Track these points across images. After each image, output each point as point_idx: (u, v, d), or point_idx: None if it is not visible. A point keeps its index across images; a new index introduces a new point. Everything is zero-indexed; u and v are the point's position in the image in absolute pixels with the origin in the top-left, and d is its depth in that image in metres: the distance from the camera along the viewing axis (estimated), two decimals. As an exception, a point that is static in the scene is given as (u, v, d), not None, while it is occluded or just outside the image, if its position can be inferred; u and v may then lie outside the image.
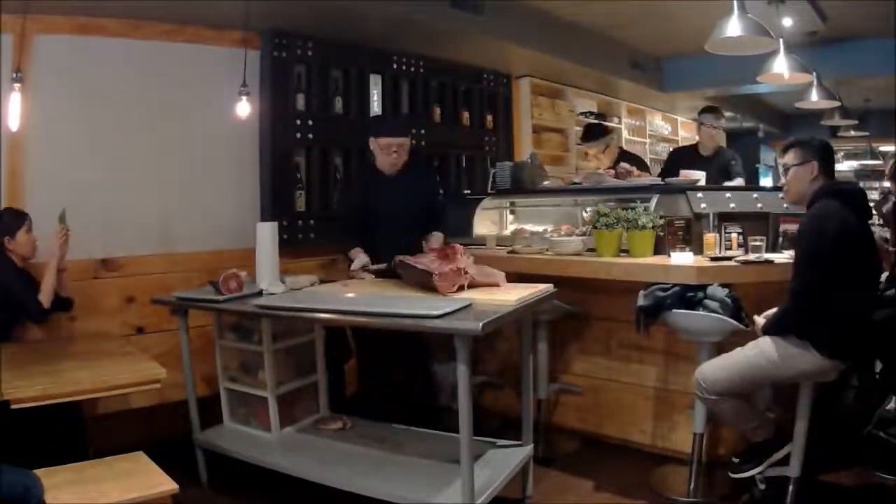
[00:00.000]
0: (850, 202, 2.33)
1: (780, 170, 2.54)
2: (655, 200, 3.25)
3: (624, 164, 3.66)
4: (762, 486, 2.52)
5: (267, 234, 3.01)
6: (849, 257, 2.26)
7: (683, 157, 4.56)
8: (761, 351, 2.35)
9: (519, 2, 4.50)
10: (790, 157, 2.46)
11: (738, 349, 2.43)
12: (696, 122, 4.72)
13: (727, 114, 8.32)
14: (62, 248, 2.88)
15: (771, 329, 2.36)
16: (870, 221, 2.49)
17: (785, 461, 2.47)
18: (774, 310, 2.40)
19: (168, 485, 2.04)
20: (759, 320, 2.45)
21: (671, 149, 8.11)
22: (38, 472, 1.99)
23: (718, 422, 2.57)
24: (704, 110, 4.65)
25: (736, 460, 2.60)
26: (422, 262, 2.65)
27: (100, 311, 3.23)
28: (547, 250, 3.35)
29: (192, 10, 3.31)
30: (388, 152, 3.12)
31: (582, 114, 6.36)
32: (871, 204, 2.78)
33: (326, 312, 2.50)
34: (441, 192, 3.34)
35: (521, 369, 2.74)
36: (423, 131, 4.47)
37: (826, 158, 2.43)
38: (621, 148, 5.20)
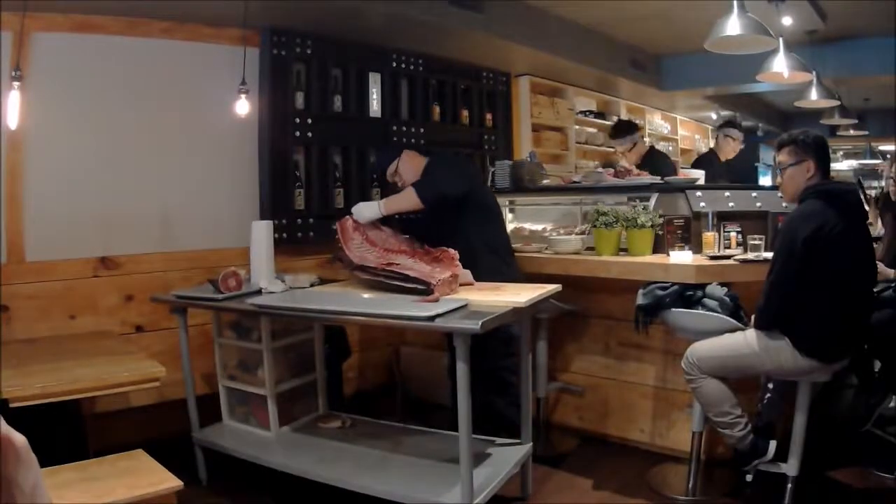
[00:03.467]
0: (836, 203, 2.33)
1: (777, 170, 2.54)
2: (655, 199, 3.25)
3: (623, 164, 3.66)
4: (749, 479, 2.53)
5: (262, 233, 3.01)
6: (824, 259, 2.26)
7: (708, 164, 4.90)
8: (745, 339, 2.43)
9: (519, 0, 4.50)
10: (785, 157, 2.46)
11: (728, 334, 2.50)
12: (720, 135, 4.97)
13: (725, 113, 8.36)
14: None
15: (755, 323, 2.42)
16: (869, 222, 2.50)
17: (783, 458, 2.48)
18: None
19: (172, 482, 2.04)
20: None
21: (670, 148, 8.18)
22: (42, 471, 1.98)
23: (701, 405, 2.58)
24: (728, 124, 5.11)
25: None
26: (413, 270, 2.64)
27: (99, 310, 3.22)
28: (546, 249, 3.35)
29: (190, 7, 3.30)
30: (393, 181, 3.22)
31: (581, 112, 6.36)
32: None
33: (324, 312, 2.50)
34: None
35: (521, 368, 2.74)
36: (422, 130, 4.47)
37: (821, 155, 2.43)
38: (652, 146, 5.21)
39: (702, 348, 2.50)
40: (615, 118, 6.75)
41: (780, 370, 2.42)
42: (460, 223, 3.02)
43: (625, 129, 4.86)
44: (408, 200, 2.98)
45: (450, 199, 2.97)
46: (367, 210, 3.01)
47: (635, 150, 4.68)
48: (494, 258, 3.02)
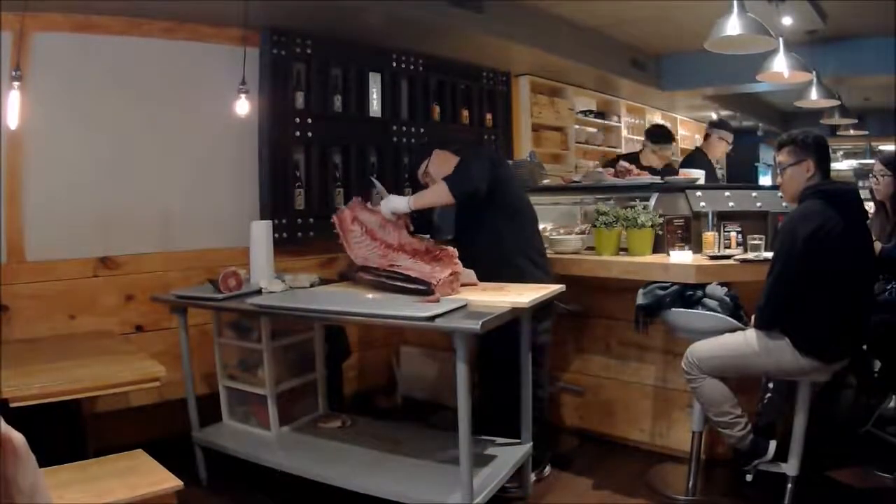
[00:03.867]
0: (836, 203, 2.32)
1: (777, 170, 2.53)
2: (655, 199, 3.26)
3: (623, 163, 3.66)
4: (749, 478, 2.53)
5: (261, 233, 3.01)
6: (824, 259, 2.26)
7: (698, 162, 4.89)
8: (745, 339, 2.43)
9: (519, 0, 4.50)
10: (785, 156, 2.45)
11: (728, 334, 2.49)
12: (714, 135, 4.98)
13: (725, 112, 8.36)
14: None
15: (755, 323, 2.42)
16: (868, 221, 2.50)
17: (783, 458, 2.48)
18: None
19: (172, 481, 2.04)
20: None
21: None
22: (42, 470, 1.98)
23: (701, 404, 2.58)
24: (722, 125, 5.13)
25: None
26: (414, 270, 2.63)
27: (99, 310, 3.22)
28: (546, 249, 3.35)
29: (191, 7, 3.30)
30: (423, 181, 3.09)
31: (581, 112, 6.36)
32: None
33: (324, 313, 2.50)
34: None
35: (521, 367, 2.74)
36: (422, 130, 4.47)
37: (821, 155, 2.42)
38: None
39: (701, 348, 2.50)
40: (615, 117, 6.76)
41: (780, 370, 2.42)
42: (492, 221, 2.88)
43: (667, 136, 4.94)
44: (439, 195, 2.83)
45: (483, 195, 2.81)
46: (397, 203, 2.87)
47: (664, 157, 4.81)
48: (524, 261, 2.88)
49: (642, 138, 7.32)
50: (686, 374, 2.52)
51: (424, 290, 2.52)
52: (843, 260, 2.29)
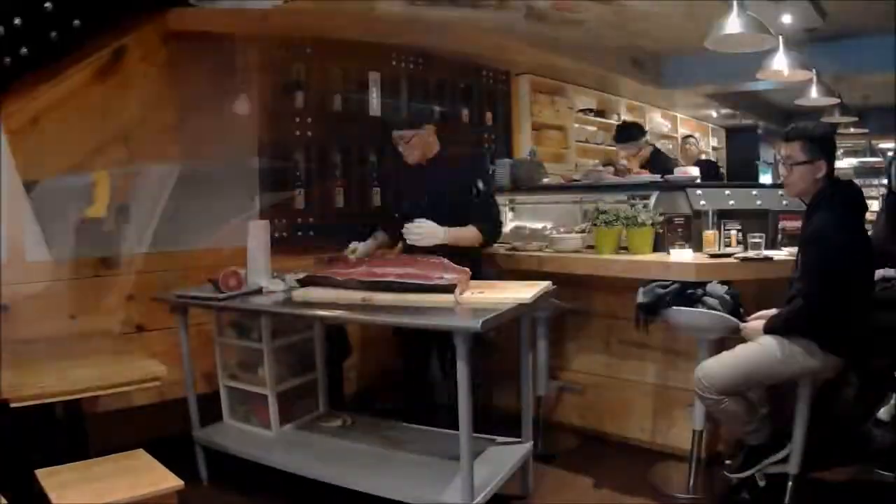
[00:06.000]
0: (853, 204, 2.34)
1: (782, 161, 2.43)
2: (655, 197, 3.26)
3: (623, 162, 3.66)
4: (762, 483, 2.52)
5: (259, 233, 3.01)
6: (856, 262, 2.27)
7: None
8: (765, 349, 2.32)
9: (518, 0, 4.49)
10: (795, 151, 2.35)
11: (741, 347, 2.40)
12: (683, 144, 5.30)
13: (725, 111, 8.37)
14: None
15: (779, 329, 2.32)
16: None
17: (783, 459, 2.48)
18: (771, 311, 2.40)
19: (173, 481, 2.04)
20: (754, 323, 2.43)
21: (670, 146, 8.17)
22: (43, 471, 1.98)
23: (716, 423, 2.57)
24: (687, 137, 5.95)
25: (729, 463, 2.63)
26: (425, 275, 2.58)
27: (99, 310, 3.22)
28: (547, 247, 3.35)
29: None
30: (398, 145, 3.07)
31: (581, 111, 6.36)
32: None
33: (325, 311, 2.50)
34: (477, 187, 3.03)
35: (521, 366, 2.74)
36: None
37: (832, 152, 2.38)
38: (654, 147, 5.14)
39: (714, 368, 2.37)
40: (615, 116, 6.74)
41: (804, 373, 2.34)
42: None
43: (630, 135, 4.73)
44: (473, 238, 2.97)
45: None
46: (435, 230, 2.85)
47: (639, 155, 4.63)
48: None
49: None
50: (705, 399, 2.41)
51: (445, 286, 2.46)
52: (861, 259, 2.31)
